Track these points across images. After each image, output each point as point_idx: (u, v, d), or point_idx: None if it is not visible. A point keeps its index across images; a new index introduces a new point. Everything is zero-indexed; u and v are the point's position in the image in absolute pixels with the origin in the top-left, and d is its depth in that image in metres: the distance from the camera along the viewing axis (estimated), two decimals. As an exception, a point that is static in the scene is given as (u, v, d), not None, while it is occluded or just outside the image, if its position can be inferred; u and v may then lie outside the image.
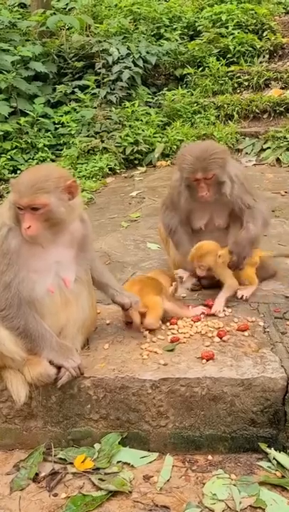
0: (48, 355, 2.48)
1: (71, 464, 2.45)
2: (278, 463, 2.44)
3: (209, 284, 3.40)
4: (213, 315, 3.02)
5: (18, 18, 9.79)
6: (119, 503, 2.26)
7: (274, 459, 2.46)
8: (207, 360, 2.59)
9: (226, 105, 8.51)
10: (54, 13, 9.20)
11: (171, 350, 2.69)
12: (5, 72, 8.21)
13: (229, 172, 3.33)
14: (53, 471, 2.42)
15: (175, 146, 7.84)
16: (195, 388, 2.48)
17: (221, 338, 2.79)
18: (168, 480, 2.38)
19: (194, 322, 2.93)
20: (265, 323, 2.95)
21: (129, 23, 9.88)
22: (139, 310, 2.81)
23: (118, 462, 2.45)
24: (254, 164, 7.36)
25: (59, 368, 2.49)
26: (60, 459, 2.48)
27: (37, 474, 2.40)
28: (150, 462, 2.49)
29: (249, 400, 2.49)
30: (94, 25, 9.47)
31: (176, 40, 9.60)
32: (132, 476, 2.39)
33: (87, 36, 9.41)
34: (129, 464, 2.46)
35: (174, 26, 10.09)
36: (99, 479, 2.35)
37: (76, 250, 2.65)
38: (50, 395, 2.52)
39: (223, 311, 3.07)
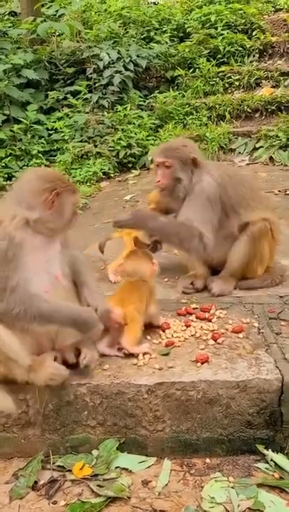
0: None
1: (70, 471, 2.46)
2: (276, 464, 2.45)
3: (203, 286, 3.42)
4: (207, 319, 3.03)
5: (9, 27, 9.83)
6: (118, 509, 2.27)
7: (271, 460, 2.47)
8: (202, 364, 2.60)
9: (217, 106, 8.53)
10: (44, 20, 9.22)
11: (166, 354, 2.70)
12: (-3, 81, 8.24)
13: (192, 178, 3.37)
14: (52, 478, 2.42)
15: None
16: (190, 392, 2.49)
17: (215, 341, 2.80)
18: (166, 484, 2.39)
19: (187, 327, 2.94)
20: (260, 324, 2.97)
21: (119, 27, 9.91)
22: (116, 321, 2.67)
23: (116, 468, 2.46)
24: (247, 163, 7.39)
25: (64, 362, 2.54)
26: (59, 466, 2.49)
27: (36, 482, 2.40)
28: (148, 467, 2.49)
29: (245, 402, 2.50)
30: (84, 31, 9.50)
31: (166, 43, 9.63)
32: (131, 482, 2.40)
33: (78, 42, 9.44)
34: (127, 469, 2.46)
35: (164, 29, 10.14)
36: (97, 486, 2.36)
37: (60, 246, 2.66)
38: (48, 402, 2.53)
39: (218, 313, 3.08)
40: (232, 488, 2.33)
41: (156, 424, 2.53)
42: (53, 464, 2.50)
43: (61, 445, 2.57)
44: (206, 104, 8.64)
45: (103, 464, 2.46)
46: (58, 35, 9.84)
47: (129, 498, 2.31)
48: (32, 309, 2.39)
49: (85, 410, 2.54)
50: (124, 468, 2.47)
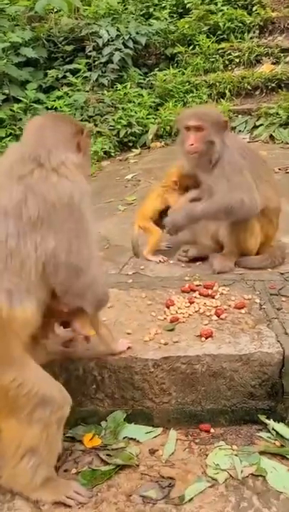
0: None
1: (79, 441, 2.57)
2: (277, 433, 2.56)
3: (196, 256, 3.56)
4: (210, 295, 3.12)
5: (6, 4, 9.72)
6: (127, 476, 2.38)
7: (273, 429, 2.58)
8: (206, 338, 2.70)
9: (217, 83, 8.51)
10: (42, -3, 9.13)
11: (172, 330, 2.79)
12: (-5, 59, 8.20)
13: (224, 140, 3.36)
14: (63, 448, 2.53)
15: (168, 127, 7.88)
16: (195, 365, 2.59)
17: (218, 317, 2.89)
18: (172, 453, 2.50)
19: (191, 303, 3.02)
20: (261, 300, 3.05)
21: (118, 3, 9.80)
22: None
23: (124, 438, 2.57)
24: (247, 142, 7.39)
25: None
26: (69, 437, 2.60)
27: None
28: (155, 437, 2.60)
29: (247, 375, 2.60)
30: (82, 8, 9.41)
31: (166, 19, 9.54)
32: (138, 451, 2.51)
33: (76, 19, 9.36)
34: (134, 439, 2.58)
35: (163, 4, 10.01)
36: (107, 455, 2.47)
37: None
38: (58, 376, 2.61)
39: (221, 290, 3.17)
40: (235, 455, 2.44)
41: (162, 397, 2.64)
42: (64, 435, 2.59)
43: (71, 417, 2.64)
44: (206, 82, 8.62)
45: (111, 435, 2.58)
46: (56, 12, 9.74)
47: (137, 465, 2.42)
48: (99, 294, 2.25)
49: (94, 384, 2.64)
50: (131, 439, 2.58)
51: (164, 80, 8.60)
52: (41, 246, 2.02)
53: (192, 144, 3.32)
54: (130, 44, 8.73)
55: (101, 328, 2.55)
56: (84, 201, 2.10)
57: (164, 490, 2.29)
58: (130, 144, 7.86)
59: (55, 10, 9.59)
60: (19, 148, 2.21)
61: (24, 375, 2.09)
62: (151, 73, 8.99)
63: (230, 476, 2.35)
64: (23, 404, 2.10)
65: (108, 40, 8.64)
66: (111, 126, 7.74)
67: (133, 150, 7.72)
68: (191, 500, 2.24)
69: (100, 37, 8.65)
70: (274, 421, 2.61)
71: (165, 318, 2.91)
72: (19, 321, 2.03)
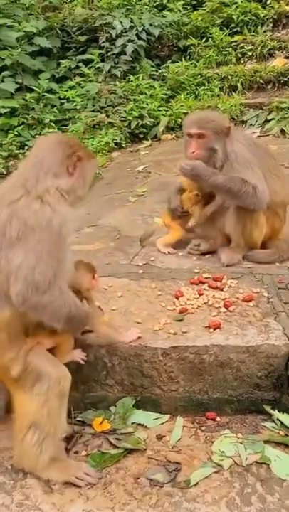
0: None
1: (89, 425, 2.66)
2: (282, 423, 2.63)
3: (208, 249, 3.63)
4: (219, 288, 3.18)
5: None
6: (135, 460, 2.47)
7: (277, 419, 2.65)
8: (214, 329, 2.77)
9: (229, 76, 8.52)
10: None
11: (181, 320, 2.87)
12: (9, 49, 8.25)
13: (226, 147, 3.43)
14: (73, 431, 2.62)
15: (179, 119, 7.90)
16: (203, 355, 2.66)
17: (227, 309, 2.96)
18: (179, 439, 2.58)
19: (200, 295, 3.09)
20: (269, 294, 3.12)
21: (132, -7, 9.81)
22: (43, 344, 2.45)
23: (133, 423, 2.65)
24: (258, 136, 7.41)
25: None
26: (79, 421, 2.68)
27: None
28: (162, 423, 2.68)
29: (254, 366, 2.67)
30: (96, -2, 9.44)
31: (179, 11, 9.53)
32: (146, 436, 2.59)
33: (90, 9, 9.37)
34: (142, 424, 2.66)
35: (177, -4, 10.02)
36: (115, 439, 2.56)
37: None
38: (69, 362, 2.69)
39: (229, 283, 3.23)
40: (240, 443, 2.52)
41: (170, 385, 2.71)
42: (74, 418, 2.69)
43: (82, 401, 2.75)
44: (218, 75, 8.62)
45: (120, 420, 2.66)
46: (70, 1, 9.76)
47: (145, 450, 2.51)
48: (65, 309, 2.28)
49: (104, 370, 2.72)
50: (139, 424, 2.66)
51: (176, 72, 8.61)
52: (12, 261, 2.18)
53: (194, 152, 3.41)
54: (143, 35, 8.74)
55: (100, 329, 2.65)
56: (63, 229, 2.22)
57: (171, 474, 2.37)
58: (141, 136, 7.91)
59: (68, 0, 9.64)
60: (16, 174, 2.41)
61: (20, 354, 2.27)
62: (164, 65, 9.00)
63: (235, 462, 2.43)
64: (23, 380, 2.27)
65: (121, 31, 8.66)
66: (122, 117, 7.79)
67: (144, 142, 7.76)
68: (196, 484, 2.32)
69: (114, 28, 8.68)
70: (279, 411, 2.68)
71: (174, 309, 2.99)
72: (2, 321, 2.25)
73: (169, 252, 3.71)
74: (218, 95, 8.32)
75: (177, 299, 3.07)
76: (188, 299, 3.06)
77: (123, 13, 9.09)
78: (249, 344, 2.66)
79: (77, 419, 2.69)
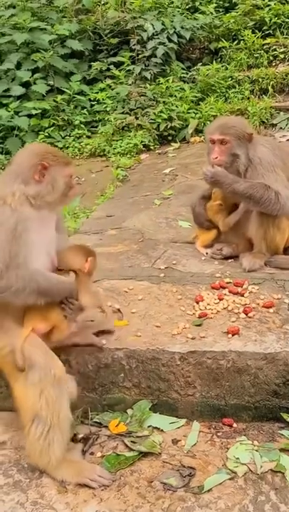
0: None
1: (106, 427, 2.68)
2: (298, 432, 2.61)
3: (230, 254, 3.63)
4: (240, 293, 3.17)
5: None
6: (149, 463, 2.48)
7: (294, 428, 2.63)
8: (233, 335, 2.76)
9: (260, 79, 8.42)
10: (89, -11, 9.25)
11: (199, 325, 2.87)
12: (42, 51, 8.37)
13: (248, 152, 3.43)
14: (90, 432, 2.65)
15: (208, 122, 7.87)
16: (221, 361, 2.66)
17: (246, 315, 2.95)
18: (194, 444, 2.58)
19: (220, 300, 3.08)
20: (291, 300, 3.09)
21: (164, -4, 9.82)
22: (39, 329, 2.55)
23: (149, 427, 2.67)
24: (288, 139, 7.35)
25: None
26: (96, 422, 2.71)
27: (75, 435, 2.63)
28: (178, 427, 2.69)
29: (272, 373, 2.65)
30: (129, 1, 9.47)
31: (211, 14, 9.50)
32: (162, 440, 2.60)
33: (122, 12, 9.42)
34: (158, 428, 2.67)
35: (209, -2, 9.98)
36: (131, 441, 2.57)
37: (55, 231, 2.72)
38: (87, 363, 2.74)
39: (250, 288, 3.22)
40: (256, 451, 2.51)
41: (187, 389, 2.72)
42: (91, 419, 2.72)
43: (99, 403, 2.78)
44: (249, 78, 8.55)
45: (137, 423, 2.67)
46: (103, 5, 9.84)
47: (160, 453, 2.52)
48: (31, 285, 2.41)
49: (122, 373, 2.74)
50: (155, 428, 2.67)
51: (207, 75, 8.58)
52: None
53: (216, 157, 3.42)
54: (174, 38, 8.73)
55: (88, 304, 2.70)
56: (18, 226, 2.41)
57: (184, 479, 2.38)
58: (170, 138, 7.91)
59: (102, 2, 9.71)
60: None
61: (13, 343, 2.39)
62: (195, 67, 8.99)
63: (250, 470, 2.42)
64: (16, 367, 2.37)
65: (153, 34, 8.67)
66: (151, 119, 7.80)
67: (172, 144, 7.76)
68: (210, 490, 2.32)
69: (145, 30, 8.69)
70: (296, 420, 2.66)
71: (194, 313, 2.99)
72: None
73: (207, 253, 3.73)
74: (249, 98, 8.25)
75: (197, 303, 3.08)
76: (208, 304, 3.06)
77: (155, 16, 9.10)
78: (267, 351, 2.65)
79: (94, 420, 2.72)
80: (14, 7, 9.25)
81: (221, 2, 10.01)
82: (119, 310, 3.03)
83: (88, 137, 8.16)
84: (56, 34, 8.58)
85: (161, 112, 7.87)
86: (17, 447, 2.59)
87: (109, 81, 8.60)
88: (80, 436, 2.63)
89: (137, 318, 2.97)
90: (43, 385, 2.35)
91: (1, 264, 2.37)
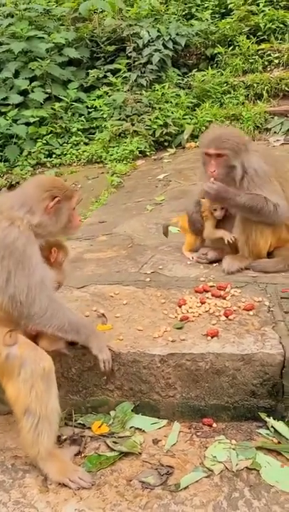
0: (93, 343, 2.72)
1: (89, 428, 2.76)
2: (276, 430, 2.68)
3: (215, 258, 3.70)
4: (222, 297, 3.25)
5: (53, 4, 10.01)
6: (130, 463, 2.56)
7: (272, 426, 2.70)
8: (212, 337, 2.84)
9: (255, 84, 8.55)
10: (86, -2, 9.38)
11: (180, 328, 2.95)
12: (39, 60, 8.50)
13: (244, 162, 3.46)
14: (74, 434, 2.73)
15: (204, 128, 7.98)
16: (199, 363, 2.74)
17: (227, 317, 3.02)
18: (174, 444, 2.65)
19: (202, 303, 3.16)
20: (271, 303, 3.16)
21: (161, 3, 9.93)
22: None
23: (131, 427, 2.74)
24: (282, 143, 7.44)
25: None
26: (80, 424, 2.80)
27: (59, 437, 2.71)
28: (159, 428, 2.77)
29: (249, 374, 2.73)
30: (125, 9, 9.60)
31: (207, 20, 9.60)
32: (143, 440, 2.68)
33: (121, 19, 9.53)
34: (140, 429, 2.74)
35: (206, 5, 10.08)
36: (113, 442, 2.65)
37: None
38: (71, 367, 2.82)
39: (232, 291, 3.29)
40: (233, 449, 2.58)
41: (168, 391, 2.80)
42: (75, 421, 2.81)
43: (82, 405, 2.87)
44: (244, 83, 8.67)
45: (119, 424, 2.76)
46: (100, 12, 9.96)
47: (140, 453, 2.60)
48: (60, 317, 2.55)
49: (104, 375, 2.82)
50: (137, 428, 2.75)
51: (203, 81, 8.68)
52: None
53: (214, 171, 3.46)
54: (170, 45, 8.86)
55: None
56: (28, 247, 2.50)
57: (162, 477, 2.45)
58: (166, 144, 8.02)
59: (99, 11, 9.83)
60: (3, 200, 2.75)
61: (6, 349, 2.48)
62: (190, 73, 9.09)
63: (226, 468, 2.49)
64: (10, 368, 2.47)
65: (148, 41, 8.80)
66: (147, 126, 7.92)
67: (168, 150, 7.87)
68: (186, 488, 2.40)
69: (141, 38, 8.83)
70: (274, 419, 2.73)
71: (176, 317, 3.07)
72: None
73: (192, 258, 3.81)
74: (243, 103, 8.35)
75: (180, 307, 3.15)
76: (190, 307, 3.13)
77: (150, 23, 9.23)
78: (244, 352, 2.72)
79: (78, 422, 2.81)
80: (12, 16, 9.41)
81: (217, 8, 10.13)
82: (103, 314, 3.12)
83: (86, 144, 8.29)
84: (53, 42, 8.72)
85: (157, 118, 7.99)
86: (2, 449, 2.68)
87: (106, 88, 8.72)
88: (64, 437, 2.71)
89: (120, 322, 3.05)
90: (34, 379, 2.45)
91: (25, 288, 2.47)
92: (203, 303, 3.17)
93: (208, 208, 3.72)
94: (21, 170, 7.70)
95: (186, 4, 10.13)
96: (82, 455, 2.62)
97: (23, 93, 8.45)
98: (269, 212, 3.42)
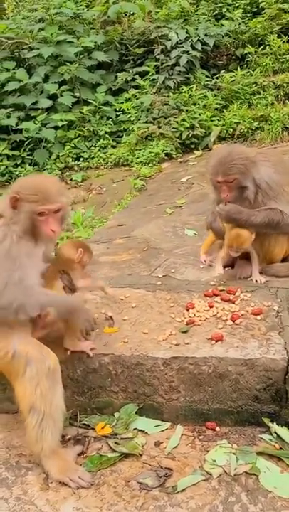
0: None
1: (93, 429, 2.82)
2: (278, 436, 2.67)
3: (228, 263, 3.68)
4: (231, 301, 3.25)
5: (83, 9, 10.14)
6: (130, 464, 2.60)
7: (275, 432, 2.69)
8: (216, 342, 2.85)
9: (285, 84, 8.45)
10: (116, 2, 9.44)
11: (186, 332, 2.97)
12: (68, 64, 8.63)
13: (254, 177, 3.42)
14: (77, 434, 2.79)
15: (231, 129, 7.96)
16: (202, 366, 2.75)
17: (233, 321, 3.02)
18: (176, 446, 2.68)
19: (210, 307, 3.18)
20: (280, 308, 3.14)
21: (191, 4, 9.91)
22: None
23: (134, 429, 2.78)
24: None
25: None
26: (84, 424, 2.85)
27: (63, 436, 2.77)
28: (162, 430, 2.79)
29: (253, 379, 2.73)
30: (154, 11, 9.64)
31: (238, 19, 9.52)
32: (145, 442, 2.71)
33: (151, 22, 9.57)
34: (143, 431, 2.78)
35: (237, 4, 10.00)
36: (115, 443, 2.70)
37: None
38: (76, 368, 2.88)
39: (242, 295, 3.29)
40: (233, 454, 2.59)
41: (171, 394, 2.82)
42: (80, 422, 2.86)
43: (88, 406, 2.92)
44: (274, 83, 8.58)
45: (122, 425, 2.80)
46: (131, 15, 10.03)
47: (140, 455, 2.63)
48: (31, 301, 2.59)
49: (109, 377, 2.87)
50: (140, 430, 2.78)
51: (232, 82, 8.62)
52: None
53: (227, 195, 3.42)
54: (198, 46, 8.83)
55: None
56: (13, 248, 2.60)
57: (160, 479, 2.48)
58: (192, 146, 8.01)
59: (128, 13, 9.91)
60: None
61: (8, 345, 2.57)
62: (219, 74, 9.05)
63: (225, 472, 2.50)
64: (16, 367, 2.54)
65: (177, 42, 8.80)
66: (174, 128, 7.93)
67: (195, 152, 7.87)
68: (183, 490, 2.42)
69: (169, 40, 8.84)
70: (278, 425, 2.72)
71: (182, 321, 3.09)
72: None
73: (205, 261, 3.81)
74: (272, 104, 8.27)
75: (187, 310, 3.17)
76: (197, 311, 3.15)
77: (180, 25, 9.23)
78: (247, 357, 2.72)
79: (83, 422, 2.86)
80: (43, 21, 9.58)
81: (248, 7, 10.04)
82: (111, 317, 3.17)
83: (113, 147, 8.36)
84: (82, 46, 8.83)
85: (183, 120, 7.99)
86: (8, 446, 2.76)
87: (134, 91, 8.77)
88: (68, 437, 2.77)
89: (127, 325, 3.09)
90: (40, 377, 2.52)
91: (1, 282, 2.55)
92: (211, 307, 3.18)
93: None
94: (50, 173, 7.84)
95: (216, 4, 10.07)
96: (85, 455, 2.67)
97: (52, 97, 8.59)
98: (286, 225, 3.41)
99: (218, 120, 8.20)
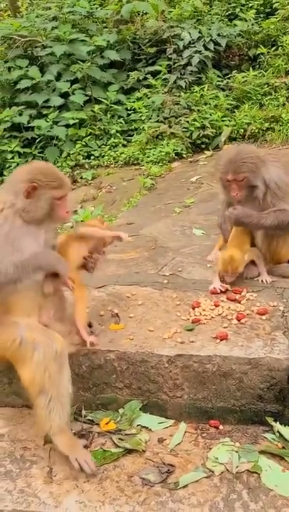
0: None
1: (97, 424, 2.85)
2: (281, 435, 2.69)
3: None
4: (237, 300, 3.26)
5: (97, 8, 10.16)
6: (133, 459, 2.63)
7: (278, 431, 2.71)
8: (221, 340, 2.87)
9: (297, 85, 8.42)
10: (129, 1, 9.46)
11: (191, 330, 2.99)
12: (80, 62, 8.66)
13: (264, 177, 3.44)
14: (82, 429, 2.82)
15: (242, 130, 7.95)
16: (206, 365, 2.78)
17: (239, 321, 3.04)
18: (179, 443, 2.71)
19: (216, 306, 3.19)
20: (286, 308, 3.16)
21: (204, 4, 9.89)
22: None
23: (138, 425, 2.81)
24: None
25: None
26: (89, 420, 2.88)
27: (68, 431, 2.81)
28: (166, 427, 2.82)
29: (256, 378, 2.75)
30: (167, 10, 9.64)
31: (251, 20, 9.49)
32: (148, 438, 2.74)
33: (164, 21, 9.57)
34: (147, 427, 2.81)
35: (250, 4, 9.97)
36: (119, 439, 2.73)
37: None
38: (81, 364, 2.92)
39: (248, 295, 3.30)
40: (236, 452, 2.61)
41: (175, 391, 2.85)
42: (85, 417, 2.89)
43: (93, 402, 2.96)
44: (285, 84, 8.54)
45: (126, 421, 2.83)
46: (144, 14, 10.03)
47: (144, 451, 2.66)
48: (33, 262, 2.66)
49: (114, 374, 2.90)
50: (144, 427, 2.82)
51: (243, 82, 8.61)
52: None
53: (236, 194, 3.43)
54: (211, 46, 8.81)
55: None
56: (11, 234, 2.65)
57: (163, 475, 2.51)
58: (203, 146, 8.01)
59: (141, 13, 9.92)
60: None
61: (15, 332, 2.62)
62: (231, 74, 9.03)
63: (227, 469, 2.53)
64: (24, 352, 2.59)
65: (189, 42, 8.79)
66: (184, 128, 7.92)
67: (205, 152, 7.87)
68: (185, 486, 2.45)
69: (182, 39, 8.84)
70: (281, 424, 2.74)
71: (188, 319, 3.11)
72: None
73: (212, 261, 3.81)
74: (284, 104, 8.24)
75: (193, 309, 3.19)
76: (203, 310, 3.17)
77: (192, 24, 9.22)
78: (251, 356, 2.75)
79: (88, 418, 2.89)
80: (57, 20, 9.62)
81: (262, 8, 10.01)
82: (117, 314, 3.20)
83: (124, 146, 8.38)
84: (95, 45, 8.86)
85: (194, 120, 7.98)
86: (13, 440, 2.79)
87: (145, 90, 8.78)
88: (73, 432, 2.79)
89: (133, 322, 3.12)
90: (47, 360, 2.57)
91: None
92: (217, 306, 3.20)
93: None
94: (60, 171, 7.86)
95: (230, 4, 10.05)
96: (88, 450, 2.69)
97: (64, 95, 8.62)
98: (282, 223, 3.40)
99: (229, 120, 8.18)
